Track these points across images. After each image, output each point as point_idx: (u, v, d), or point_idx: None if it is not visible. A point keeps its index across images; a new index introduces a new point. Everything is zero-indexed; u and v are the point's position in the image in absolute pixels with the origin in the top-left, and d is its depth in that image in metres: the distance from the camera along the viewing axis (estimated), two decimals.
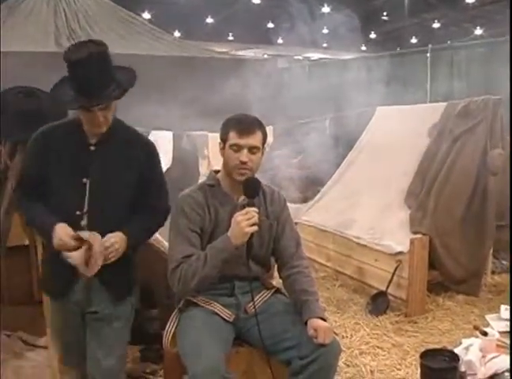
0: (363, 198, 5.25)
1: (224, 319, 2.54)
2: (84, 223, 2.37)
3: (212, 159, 5.01)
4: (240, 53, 18.34)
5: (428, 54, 8.31)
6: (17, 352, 3.49)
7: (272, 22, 24.28)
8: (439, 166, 4.81)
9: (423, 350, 3.31)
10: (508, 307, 3.32)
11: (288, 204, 2.81)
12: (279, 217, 2.69)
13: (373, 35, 26.20)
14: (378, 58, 9.07)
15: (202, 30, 23.31)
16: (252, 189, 2.48)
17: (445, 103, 5.21)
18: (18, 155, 2.85)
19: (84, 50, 2.19)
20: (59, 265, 2.34)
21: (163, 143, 4.92)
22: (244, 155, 2.46)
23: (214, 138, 4.89)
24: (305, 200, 6.32)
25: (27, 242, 3.45)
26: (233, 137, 2.48)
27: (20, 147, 2.79)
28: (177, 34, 20.65)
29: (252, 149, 2.48)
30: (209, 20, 25.58)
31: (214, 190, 2.59)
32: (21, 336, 3.64)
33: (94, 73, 2.19)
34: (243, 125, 2.50)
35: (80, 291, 2.43)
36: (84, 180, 2.37)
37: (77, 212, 2.36)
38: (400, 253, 4.39)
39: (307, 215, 5.69)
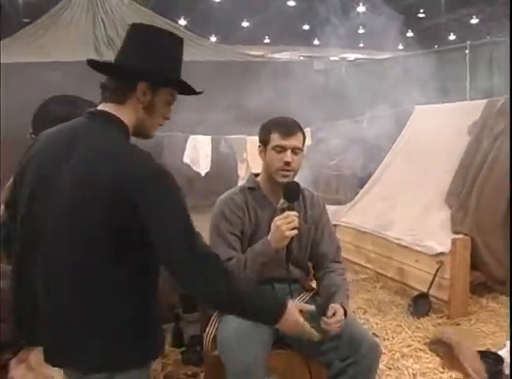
0: (402, 198, 5.19)
1: None
2: None
3: (250, 162, 5.03)
4: (276, 55, 18.41)
5: (467, 51, 8.16)
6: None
7: (308, 24, 24.31)
8: (480, 165, 4.72)
9: None
10: None
11: (327, 206, 2.81)
12: (318, 222, 2.69)
13: (410, 34, 25.86)
14: (416, 57, 8.95)
15: (238, 34, 23.45)
16: (292, 193, 2.47)
17: (485, 101, 5.11)
18: None
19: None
20: None
21: (202, 147, 4.98)
22: (288, 156, 2.46)
23: (252, 141, 4.93)
24: (344, 201, 6.29)
25: None
26: (276, 139, 2.49)
27: None
28: (213, 39, 20.85)
29: (295, 150, 2.49)
30: (245, 23, 25.73)
31: (254, 193, 2.61)
32: None
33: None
34: (286, 126, 2.51)
35: None
36: None
37: None
38: (442, 253, 4.32)
39: (347, 217, 5.65)
